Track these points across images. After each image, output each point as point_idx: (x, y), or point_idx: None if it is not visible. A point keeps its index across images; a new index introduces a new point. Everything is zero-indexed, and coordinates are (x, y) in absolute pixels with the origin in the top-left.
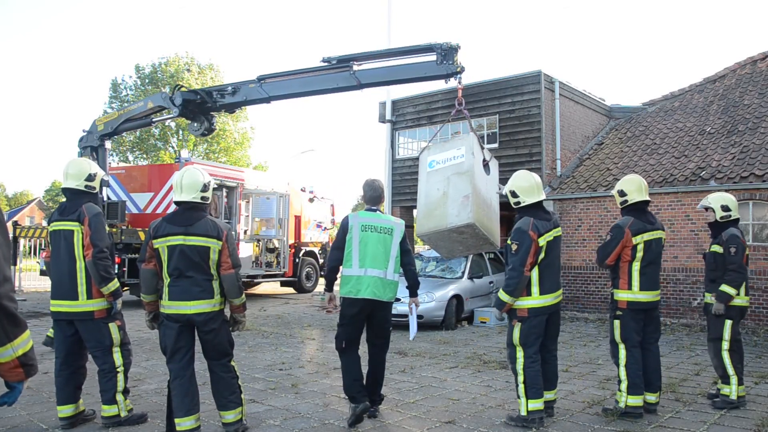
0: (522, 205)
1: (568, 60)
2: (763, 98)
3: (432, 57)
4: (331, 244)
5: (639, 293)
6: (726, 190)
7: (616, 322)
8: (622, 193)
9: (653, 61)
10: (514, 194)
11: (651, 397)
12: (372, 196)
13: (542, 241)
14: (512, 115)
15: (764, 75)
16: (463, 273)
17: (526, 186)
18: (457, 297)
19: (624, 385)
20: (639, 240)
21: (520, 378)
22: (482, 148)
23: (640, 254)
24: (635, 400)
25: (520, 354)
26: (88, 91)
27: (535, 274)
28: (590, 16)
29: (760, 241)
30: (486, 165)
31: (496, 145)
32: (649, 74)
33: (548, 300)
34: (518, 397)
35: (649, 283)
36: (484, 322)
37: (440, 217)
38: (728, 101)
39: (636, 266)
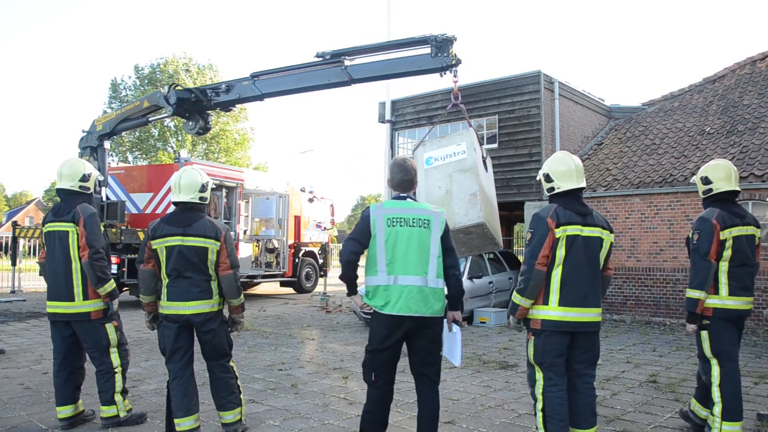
0: (556, 191)
1: (567, 60)
2: (762, 98)
3: (426, 50)
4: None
5: (728, 299)
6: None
7: (704, 334)
8: (706, 181)
9: (653, 61)
10: (548, 178)
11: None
12: (402, 180)
13: (560, 233)
14: (512, 115)
15: (764, 75)
16: (463, 273)
17: (564, 170)
18: None
19: (717, 409)
20: (727, 235)
21: (539, 404)
22: (480, 144)
23: (728, 252)
24: (731, 427)
25: (539, 375)
26: (88, 91)
27: (556, 277)
28: (590, 16)
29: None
30: (484, 161)
31: (495, 146)
32: (649, 74)
33: (571, 315)
34: (536, 428)
35: (740, 288)
36: (484, 322)
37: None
38: (728, 101)
39: (724, 267)
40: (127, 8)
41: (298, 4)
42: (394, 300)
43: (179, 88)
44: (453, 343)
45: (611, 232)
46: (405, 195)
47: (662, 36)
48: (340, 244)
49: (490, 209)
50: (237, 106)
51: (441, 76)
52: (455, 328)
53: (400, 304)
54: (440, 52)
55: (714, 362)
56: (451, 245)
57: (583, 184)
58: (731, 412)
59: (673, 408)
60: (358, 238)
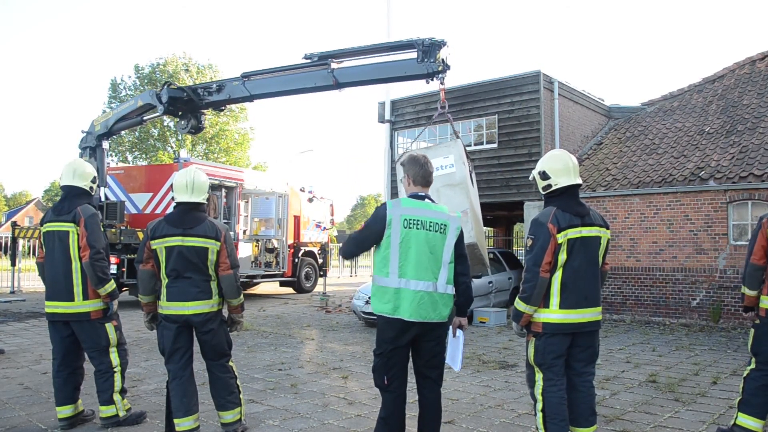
0: (553, 189)
1: (567, 60)
2: (761, 98)
3: (414, 54)
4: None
5: None
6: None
7: (752, 332)
8: (544, 176)
9: (653, 61)
10: (544, 176)
11: None
12: (426, 173)
13: (562, 238)
14: (511, 115)
15: (763, 75)
16: None
17: (560, 167)
18: None
19: (737, 400)
20: None
21: (539, 405)
22: (468, 156)
23: None
24: (746, 421)
25: (538, 376)
26: (88, 91)
27: (556, 281)
28: (590, 16)
29: None
30: (471, 175)
31: (495, 146)
32: (649, 74)
33: (571, 317)
34: (536, 428)
35: None
36: (484, 322)
37: None
38: (727, 101)
39: None
40: (127, 8)
41: (299, 4)
42: (404, 305)
43: (173, 86)
44: (455, 347)
45: (608, 228)
46: (423, 194)
47: (662, 36)
48: (340, 244)
49: (479, 227)
50: (236, 105)
51: (427, 82)
52: (459, 332)
53: (410, 310)
54: (426, 57)
55: (752, 360)
56: (463, 252)
57: (580, 181)
58: (749, 405)
59: (673, 408)
60: (362, 243)
